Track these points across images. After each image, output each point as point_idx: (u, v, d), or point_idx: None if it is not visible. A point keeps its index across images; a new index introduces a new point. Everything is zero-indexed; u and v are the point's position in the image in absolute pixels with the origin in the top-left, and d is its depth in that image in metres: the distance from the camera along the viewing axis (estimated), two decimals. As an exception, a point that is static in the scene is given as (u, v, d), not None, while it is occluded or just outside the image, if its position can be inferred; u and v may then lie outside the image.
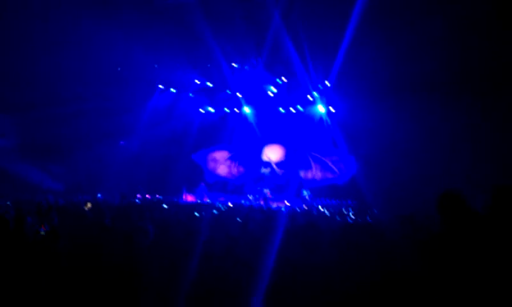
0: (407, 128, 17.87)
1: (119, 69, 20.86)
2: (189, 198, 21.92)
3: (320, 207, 16.07)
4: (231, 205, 13.85)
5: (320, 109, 22.56)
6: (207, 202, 19.35)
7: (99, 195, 18.76)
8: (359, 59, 17.45)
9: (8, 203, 11.71)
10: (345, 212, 13.11)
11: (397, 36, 15.81)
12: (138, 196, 20.04)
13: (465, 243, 3.46)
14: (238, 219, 8.78)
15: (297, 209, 14.13)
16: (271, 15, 16.49)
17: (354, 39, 16.33)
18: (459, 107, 16.64)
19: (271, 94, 23.33)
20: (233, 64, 21.33)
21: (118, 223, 7.13)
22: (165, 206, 12.11)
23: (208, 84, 23.51)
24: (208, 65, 21.72)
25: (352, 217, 11.50)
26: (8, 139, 23.23)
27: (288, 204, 19.13)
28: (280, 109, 24.08)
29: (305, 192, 21.41)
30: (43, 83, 19.36)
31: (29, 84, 19.47)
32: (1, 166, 20.83)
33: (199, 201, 19.66)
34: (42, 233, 6.26)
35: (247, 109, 24.14)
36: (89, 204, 11.11)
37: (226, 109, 25.10)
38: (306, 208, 16.39)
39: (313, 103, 22.71)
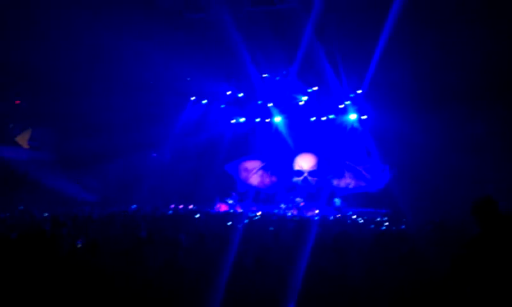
0: (440, 135, 17.69)
1: (151, 82, 21.19)
2: (223, 208, 22.01)
3: (353, 215, 15.94)
4: (261, 214, 13.86)
5: (352, 117, 22.40)
6: (239, 211, 19.40)
7: (133, 206, 19.03)
8: (391, 67, 17.32)
9: (46, 215, 11.98)
10: (379, 220, 12.97)
11: (429, 45, 15.72)
12: (171, 206, 20.24)
13: (502, 246, 3.41)
14: (271, 228, 8.81)
15: (330, 217, 14.05)
16: (303, 25, 16.50)
17: (386, 48, 16.26)
18: (492, 114, 16.39)
19: (302, 103, 23.29)
20: (264, 74, 21.40)
21: (152, 234, 7.26)
22: (197, 216, 12.21)
23: (240, 94, 23.65)
24: (240, 76, 21.88)
25: (386, 225, 11.37)
26: (44, 152, 23.83)
27: (320, 212, 19.02)
28: (312, 118, 23.98)
29: (337, 201, 21.24)
30: (78, 97, 19.81)
31: (64, 98, 19.95)
32: (38, 179, 21.34)
33: (232, 211, 19.72)
34: (79, 245, 6.38)
35: (278, 119, 24.13)
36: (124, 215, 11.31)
37: (257, 119, 25.15)
38: (339, 216, 16.25)
39: (345, 111, 22.57)
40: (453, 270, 3.53)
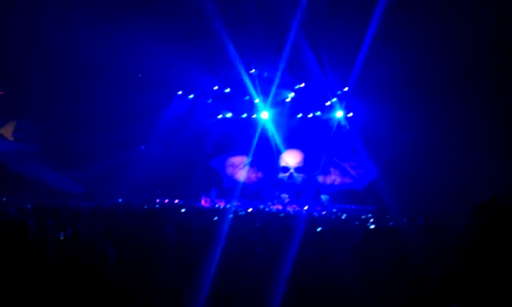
0: (426, 131, 17.81)
1: (139, 75, 21.10)
2: (207, 203, 22.05)
3: (338, 212, 16.03)
4: (249, 210, 13.87)
5: (339, 113, 22.50)
6: (225, 207, 19.40)
7: (119, 200, 18.95)
8: (378, 63, 17.44)
9: (29, 206, 11.87)
10: (364, 217, 13.05)
11: (416, 39, 15.80)
12: (157, 200, 20.19)
13: (495, 247, 3.43)
14: (257, 223, 8.84)
15: (315, 214, 14.12)
16: (291, 21, 16.51)
17: (373, 44, 16.33)
18: (480, 107, 16.51)
19: (289, 100, 23.35)
20: (252, 70, 21.39)
21: (138, 227, 7.24)
22: (183, 210, 12.21)
23: (227, 90, 23.63)
24: (228, 71, 21.86)
25: (371, 221, 11.46)
26: (29, 144, 23.62)
27: (306, 209, 19.11)
28: (299, 114, 24.05)
29: (323, 197, 21.34)
30: (64, 89, 19.69)
31: (49, 90, 19.80)
32: (23, 170, 21.15)
33: (217, 206, 19.73)
34: (61, 238, 6.34)
35: (265, 115, 24.14)
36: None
37: (244, 115, 25.15)
38: (324, 213, 16.33)
39: (332, 108, 22.67)
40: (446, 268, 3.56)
